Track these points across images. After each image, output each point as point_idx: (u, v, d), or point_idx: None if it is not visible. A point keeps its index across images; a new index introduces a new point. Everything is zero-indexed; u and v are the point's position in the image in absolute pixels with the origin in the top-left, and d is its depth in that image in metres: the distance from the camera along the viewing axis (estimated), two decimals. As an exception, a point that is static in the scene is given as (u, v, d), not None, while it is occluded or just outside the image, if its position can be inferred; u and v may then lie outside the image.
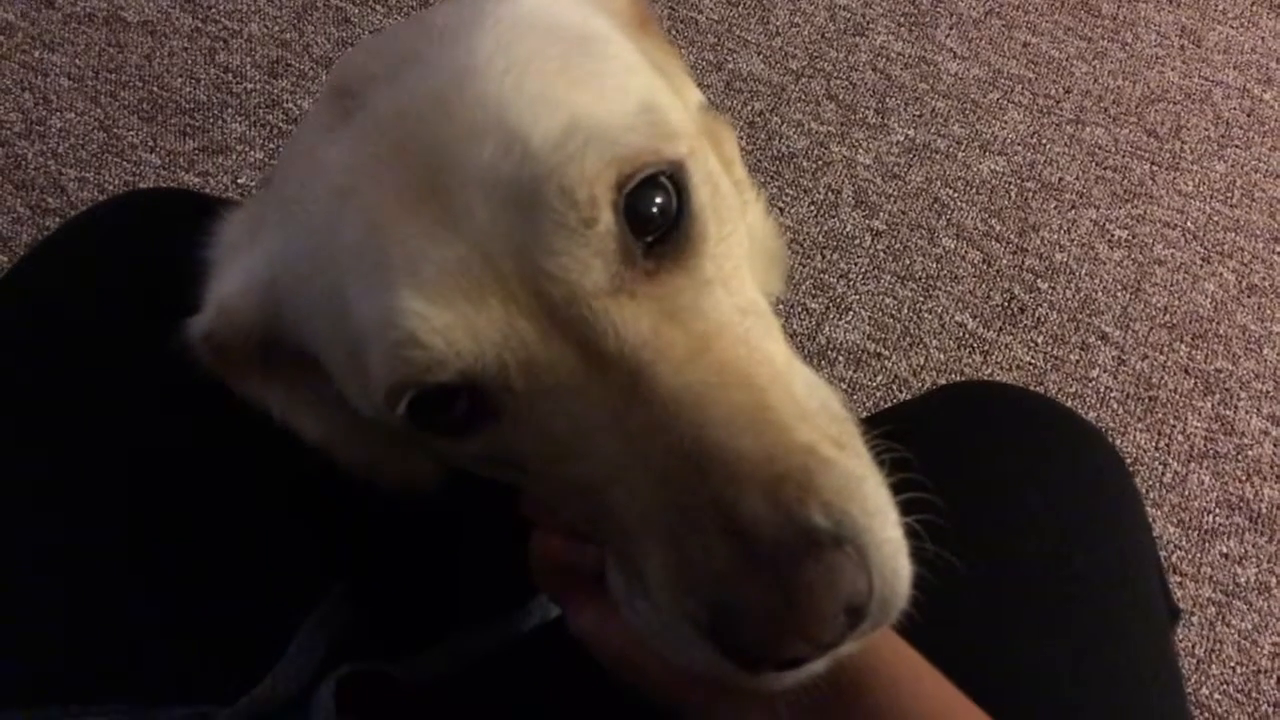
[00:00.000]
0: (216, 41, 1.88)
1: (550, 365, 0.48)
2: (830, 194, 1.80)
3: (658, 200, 0.50)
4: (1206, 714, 1.42)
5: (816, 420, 0.49)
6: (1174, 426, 1.62)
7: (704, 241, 0.52)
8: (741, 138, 1.84)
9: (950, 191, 1.82)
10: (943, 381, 1.63)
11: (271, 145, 1.77)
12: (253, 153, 1.76)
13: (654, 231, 0.50)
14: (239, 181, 1.73)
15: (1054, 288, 1.73)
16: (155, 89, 1.81)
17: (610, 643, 0.56)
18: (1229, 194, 1.86)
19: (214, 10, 1.92)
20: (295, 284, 0.54)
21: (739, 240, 0.56)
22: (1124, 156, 1.89)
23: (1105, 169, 1.87)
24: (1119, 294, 1.74)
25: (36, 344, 0.69)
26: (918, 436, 0.52)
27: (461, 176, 0.48)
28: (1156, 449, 1.60)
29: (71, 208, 1.68)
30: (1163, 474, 1.58)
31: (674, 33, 1.96)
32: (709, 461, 0.45)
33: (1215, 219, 1.83)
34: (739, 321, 0.52)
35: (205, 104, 1.80)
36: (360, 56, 0.60)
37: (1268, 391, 1.66)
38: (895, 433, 0.52)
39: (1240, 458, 1.60)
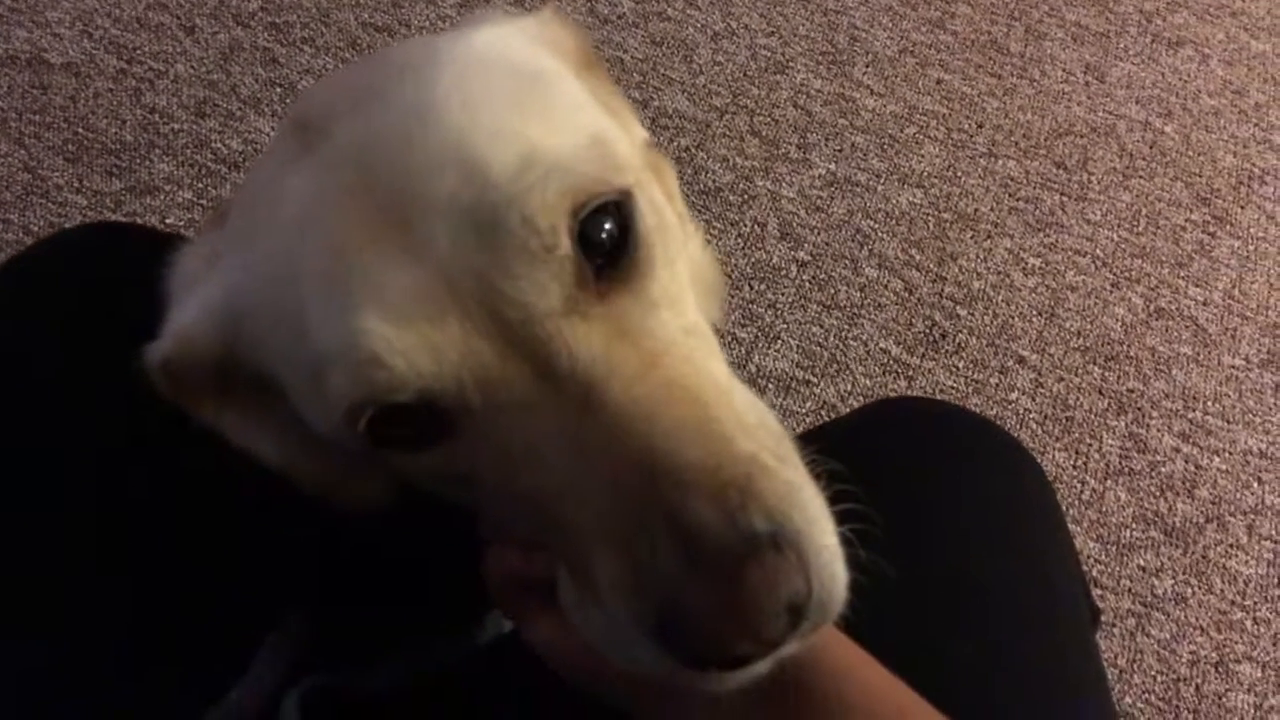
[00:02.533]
0: (142, 82, 1.88)
1: (506, 382, 0.50)
2: (756, 227, 1.84)
3: (606, 226, 0.53)
4: (1130, 722, 1.47)
5: (757, 434, 0.52)
6: (1090, 445, 1.68)
7: (650, 265, 0.55)
8: (668, 173, 1.87)
9: (871, 223, 1.87)
10: (869, 407, 1.67)
11: (200, 185, 1.77)
12: (181, 192, 1.76)
13: (602, 255, 0.53)
14: (167, 221, 1.72)
15: (973, 314, 1.79)
16: (80, 130, 1.80)
17: (564, 652, 0.58)
18: (1135, 222, 1.94)
19: (139, 51, 1.91)
20: (256, 308, 0.55)
21: (682, 266, 0.58)
22: (1035, 188, 1.96)
23: (1018, 200, 1.94)
24: (1034, 319, 1.80)
25: None
26: (848, 452, 0.54)
27: (424, 205, 0.50)
28: (1075, 467, 1.66)
29: (-4, 249, 1.66)
30: (1081, 491, 1.64)
31: (600, 71, 1.99)
32: (657, 470, 0.47)
33: (1123, 246, 1.91)
34: (684, 341, 0.55)
35: (132, 145, 1.80)
36: (321, 92, 0.62)
37: (1177, 410, 1.73)
38: (827, 449, 0.55)
39: (1154, 474, 1.67)
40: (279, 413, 0.59)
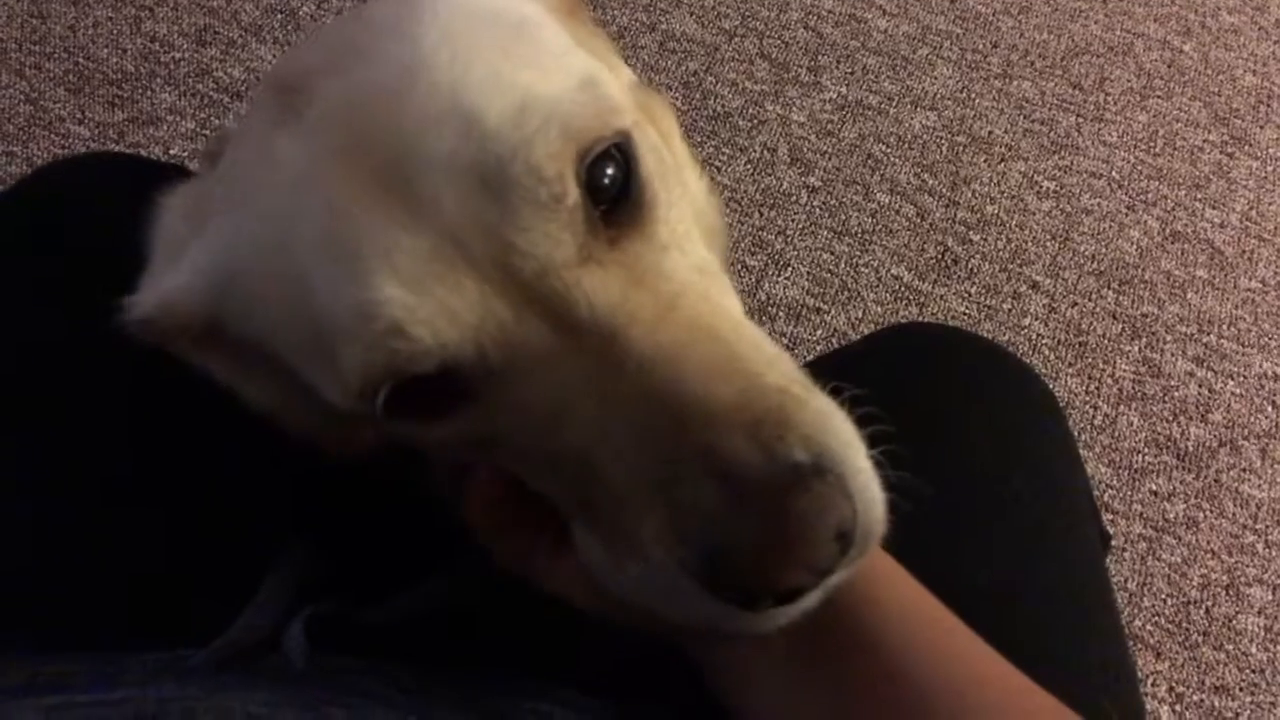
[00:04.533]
0: (142, 10, 1.85)
1: (526, 341, 0.49)
2: (766, 152, 1.82)
3: (609, 171, 0.52)
4: (1140, 645, 1.48)
5: (781, 365, 0.51)
6: (1103, 370, 1.67)
7: (656, 206, 0.54)
8: (677, 98, 1.85)
9: (883, 147, 1.85)
10: (881, 333, 1.67)
11: (203, 114, 1.75)
12: (184, 123, 1.74)
13: (606, 201, 0.52)
14: (171, 152, 1.71)
15: (986, 239, 1.77)
16: (81, 60, 1.78)
17: (586, 595, 0.57)
18: (1151, 143, 1.91)
19: (138, -22, 1.89)
20: (247, 273, 0.54)
21: (686, 205, 0.57)
22: (1050, 109, 1.93)
23: (1033, 122, 1.91)
24: (1048, 244, 1.78)
25: None
26: (859, 379, 0.54)
27: (423, 164, 0.48)
28: (1087, 392, 1.65)
29: (-1, 183, 1.65)
30: (1093, 416, 1.63)
31: (606, -6, 1.96)
32: (688, 413, 0.47)
33: (1139, 168, 1.88)
34: (698, 280, 0.54)
35: (133, 74, 1.78)
36: (299, 54, 0.61)
37: (1191, 334, 1.72)
38: (838, 376, 0.54)
39: (1167, 399, 1.66)
40: (264, 367, 0.58)
